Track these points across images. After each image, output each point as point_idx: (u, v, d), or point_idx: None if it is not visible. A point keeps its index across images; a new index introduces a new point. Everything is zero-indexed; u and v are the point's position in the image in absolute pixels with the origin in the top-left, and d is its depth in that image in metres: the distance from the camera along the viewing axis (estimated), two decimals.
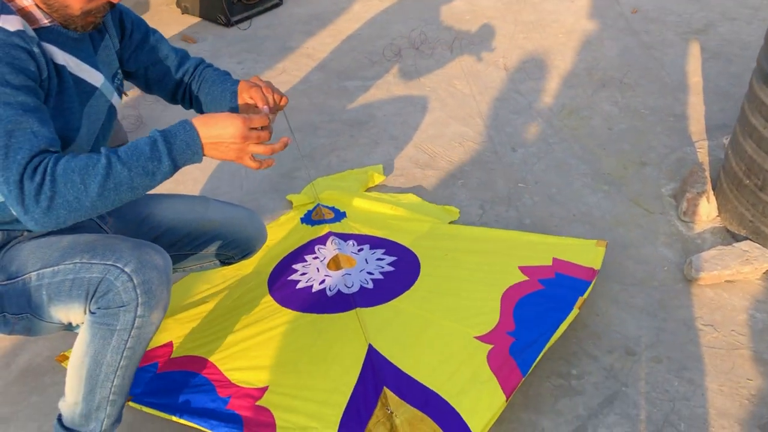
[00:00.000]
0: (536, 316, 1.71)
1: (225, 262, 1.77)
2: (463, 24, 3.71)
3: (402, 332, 1.70)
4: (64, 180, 1.13)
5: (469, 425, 1.44)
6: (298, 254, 2.05)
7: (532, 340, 1.64)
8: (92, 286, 1.24)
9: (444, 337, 1.68)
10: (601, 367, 1.72)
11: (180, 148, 1.22)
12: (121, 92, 1.51)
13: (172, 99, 1.64)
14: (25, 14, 1.24)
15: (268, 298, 1.87)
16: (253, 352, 1.69)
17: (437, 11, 3.88)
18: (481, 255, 1.99)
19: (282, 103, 1.50)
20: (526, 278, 1.85)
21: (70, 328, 1.40)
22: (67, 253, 1.28)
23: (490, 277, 1.88)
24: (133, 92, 3.02)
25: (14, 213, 1.16)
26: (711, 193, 2.20)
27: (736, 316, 1.86)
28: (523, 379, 1.56)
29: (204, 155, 1.27)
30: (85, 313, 1.28)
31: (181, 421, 1.53)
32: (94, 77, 1.38)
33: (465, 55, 3.37)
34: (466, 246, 2.04)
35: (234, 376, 1.62)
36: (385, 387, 1.53)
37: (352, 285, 1.87)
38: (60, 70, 1.29)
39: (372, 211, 2.26)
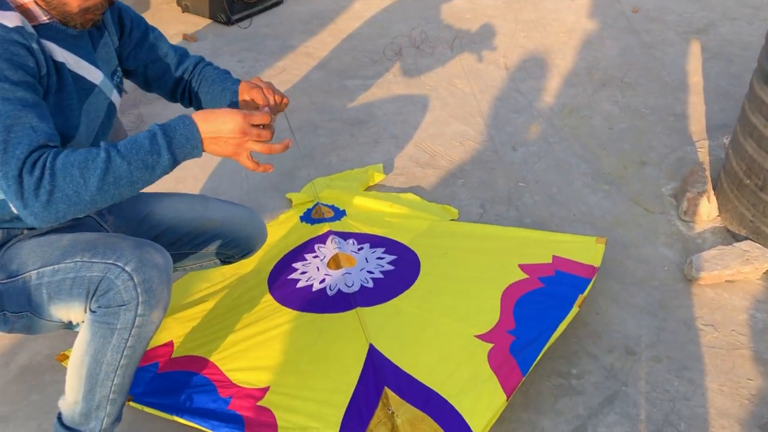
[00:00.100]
0: (536, 315, 1.71)
1: (225, 261, 1.77)
2: (463, 23, 3.71)
3: (402, 331, 1.70)
4: (63, 174, 1.13)
5: (469, 425, 1.44)
6: (298, 253, 2.05)
7: (532, 338, 1.64)
8: (93, 284, 1.24)
9: (444, 336, 1.68)
10: (601, 366, 1.72)
11: (179, 142, 1.22)
12: (120, 90, 1.50)
13: (172, 97, 1.64)
14: (23, 11, 1.24)
15: (268, 297, 1.87)
16: (253, 352, 1.69)
17: (438, 10, 3.87)
18: (481, 253, 1.99)
19: (283, 104, 1.50)
20: (526, 276, 1.85)
21: (70, 326, 1.39)
22: (68, 251, 1.28)
23: (490, 275, 1.88)
24: (133, 91, 3.01)
25: (14, 208, 1.15)
26: (711, 192, 2.20)
27: (736, 316, 1.86)
28: (524, 378, 1.56)
29: (203, 150, 1.26)
30: (85, 311, 1.28)
31: (183, 421, 1.53)
32: (93, 74, 1.37)
33: (465, 54, 3.37)
34: (466, 244, 2.04)
35: (235, 377, 1.62)
36: (386, 387, 1.53)
37: (353, 284, 1.87)
38: (59, 67, 1.29)
39: (371, 209, 2.26)
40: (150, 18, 3.85)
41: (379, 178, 2.49)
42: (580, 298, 1.75)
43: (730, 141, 2.20)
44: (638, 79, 3.09)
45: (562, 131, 2.74)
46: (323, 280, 1.91)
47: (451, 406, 1.48)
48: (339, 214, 2.23)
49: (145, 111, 2.95)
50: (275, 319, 1.78)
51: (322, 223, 2.19)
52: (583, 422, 1.59)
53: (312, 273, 1.95)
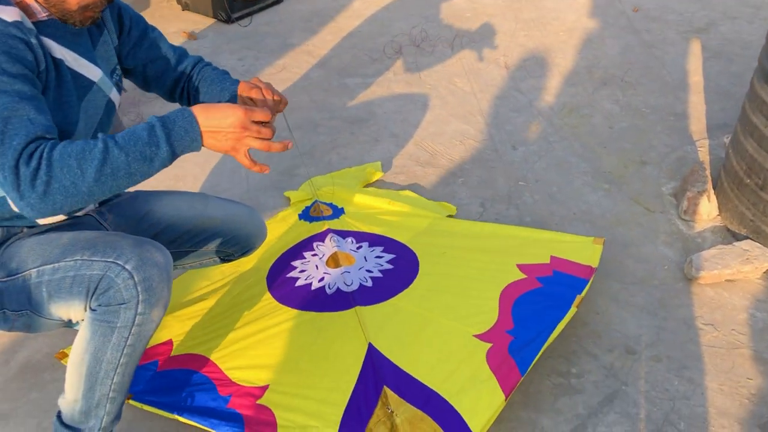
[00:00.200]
0: (534, 315, 1.71)
1: (225, 259, 1.77)
2: (463, 21, 3.71)
3: (401, 331, 1.70)
4: (60, 165, 1.12)
5: (468, 425, 1.44)
6: (297, 251, 2.05)
7: (530, 338, 1.64)
8: (93, 283, 1.24)
9: (443, 336, 1.68)
10: (601, 365, 1.72)
11: (178, 134, 1.20)
12: (120, 88, 1.50)
13: (170, 97, 1.64)
14: (23, 7, 1.24)
15: (268, 296, 1.87)
16: (253, 350, 1.69)
17: (438, 8, 3.87)
18: (479, 252, 1.99)
19: (281, 105, 1.49)
20: (524, 276, 1.85)
21: (69, 325, 1.39)
22: (68, 250, 1.28)
23: (489, 275, 1.88)
24: (132, 90, 3.01)
25: (10, 201, 1.15)
26: (711, 192, 2.20)
27: (736, 315, 1.86)
28: (522, 378, 1.56)
29: (203, 144, 1.24)
30: (85, 310, 1.28)
31: (182, 419, 1.53)
32: (92, 72, 1.37)
33: (466, 53, 3.37)
34: (464, 243, 2.04)
35: (234, 375, 1.62)
36: (385, 386, 1.53)
37: (352, 283, 1.87)
38: (58, 63, 1.29)
39: (370, 206, 2.26)
40: (150, 16, 3.85)
41: (377, 176, 2.48)
42: (578, 298, 1.75)
43: (731, 140, 2.20)
44: (639, 78, 3.08)
45: (563, 130, 2.74)
46: (322, 279, 1.91)
47: (451, 406, 1.48)
48: (337, 212, 2.23)
49: (145, 110, 2.94)
50: (274, 318, 1.78)
51: (320, 221, 2.19)
52: (583, 421, 1.59)
53: (311, 271, 1.95)
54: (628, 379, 1.68)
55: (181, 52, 1.61)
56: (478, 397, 1.50)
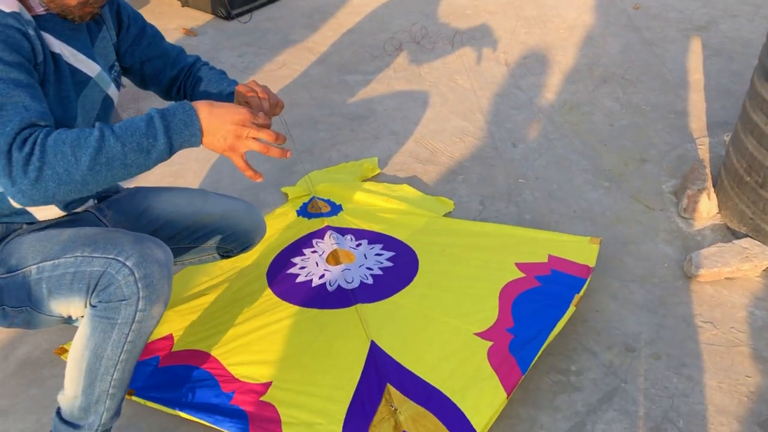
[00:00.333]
0: (534, 313, 1.72)
1: (224, 255, 1.77)
2: (464, 19, 3.70)
3: (403, 329, 1.71)
4: (54, 151, 1.11)
5: (471, 422, 1.45)
6: (297, 248, 2.05)
7: (530, 337, 1.65)
8: (93, 279, 1.23)
9: (444, 334, 1.68)
10: (600, 363, 1.72)
11: (177, 127, 1.19)
12: (118, 84, 1.50)
13: (167, 95, 1.64)
14: (21, 1, 1.24)
15: (268, 292, 1.87)
16: (255, 346, 1.69)
17: (438, 5, 3.87)
18: (478, 251, 1.99)
19: (277, 108, 1.49)
20: (523, 275, 1.86)
21: (69, 321, 1.39)
22: (68, 246, 1.27)
23: (487, 273, 1.88)
24: (132, 86, 3.00)
25: (2, 188, 1.13)
26: (711, 190, 2.19)
27: (735, 313, 1.86)
28: (523, 376, 1.57)
29: (202, 140, 1.23)
30: (85, 306, 1.27)
31: (185, 415, 1.53)
32: (90, 67, 1.37)
33: (466, 50, 3.37)
34: (463, 241, 2.05)
35: (237, 371, 1.62)
36: (388, 383, 1.54)
37: (353, 280, 1.87)
38: (56, 58, 1.29)
39: (368, 203, 2.26)
40: (150, 12, 3.85)
41: (374, 171, 2.49)
42: (576, 297, 1.76)
43: (731, 138, 2.19)
44: (639, 76, 3.08)
45: (563, 128, 2.73)
46: (323, 276, 1.91)
47: (453, 404, 1.49)
48: (335, 209, 2.23)
49: (144, 106, 2.94)
50: (276, 314, 1.78)
51: (319, 217, 2.19)
52: (582, 419, 1.59)
53: (311, 268, 1.95)
54: (627, 377, 1.68)
55: (178, 51, 1.62)
56: (480, 395, 1.51)
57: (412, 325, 1.72)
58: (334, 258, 1.98)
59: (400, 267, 1.94)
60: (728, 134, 2.43)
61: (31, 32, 1.21)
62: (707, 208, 2.18)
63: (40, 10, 1.27)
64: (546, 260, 1.92)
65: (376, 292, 1.84)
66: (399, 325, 1.72)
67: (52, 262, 1.27)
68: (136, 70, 1.57)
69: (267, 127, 1.26)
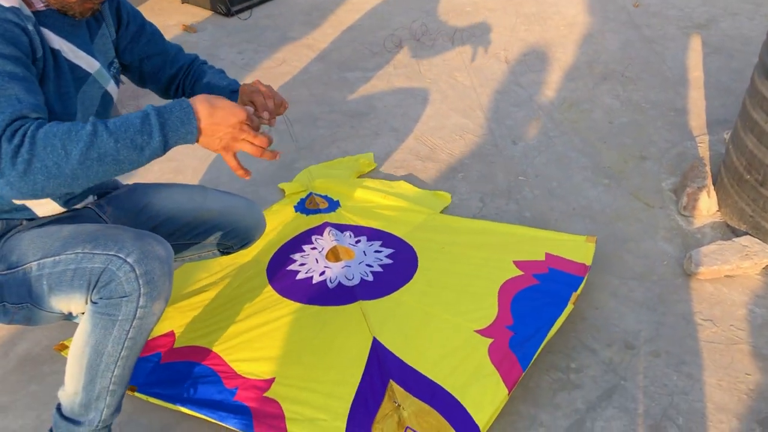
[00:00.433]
0: (533, 311, 1.73)
1: (224, 251, 1.77)
2: (464, 15, 3.70)
3: (405, 325, 1.72)
4: (44, 144, 1.09)
5: (474, 419, 1.46)
6: (296, 244, 2.05)
7: (530, 334, 1.66)
8: (94, 276, 1.23)
9: (445, 331, 1.69)
10: (599, 360, 1.72)
11: (174, 125, 1.17)
12: (117, 81, 1.50)
13: (165, 94, 1.63)
14: None
15: (269, 289, 1.88)
16: (257, 343, 1.69)
17: (438, 2, 3.86)
18: (477, 249, 2.00)
19: (281, 108, 1.49)
20: (521, 273, 1.87)
21: (69, 317, 1.39)
22: (69, 242, 1.27)
23: (486, 271, 1.89)
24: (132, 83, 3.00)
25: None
26: (711, 187, 2.20)
27: (735, 311, 1.86)
28: (524, 373, 1.57)
29: (197, 139, 1.21)
30: (86, 303, 1.27)
31: (188, 411, 1.54)
32: (89, 63, 1.37)
33: (466, 47, 3.36)
34: (461, 239, 2.05)
35: (240, 368, 1.62)
36: (391, 380, 1.55)
37: (353, 277, 1.88)
38: (55, 54, 1.29)
39: (365, 200, 2.27)
40: (150, 9, 3.84)
41: (370, 167, 2.49)
42: (574, 296, 1.77)
43: (731, 136, 2.19)
44: (639, 74, 3.08)
45: (563, 125, 2.73)
46: (323, 273, 1.91)
47: (456, 400, 1.50)
48: (333, 205, 2.24)
49: (144, 103, 2.93)
50: (277, 311, 1.78)
51: (317, 214, 2.19)
52: (582, 416, 1.59)
53: (311, 265, 1.95)
54: (626, 375, 1.68)
55: (177, 50, 1.62)
56: (482, 391, 1.52)
57: (413, 322, 1.73)
58: (333, 255, 1.98)
59: (399, 264, 1.94)
60: (728, 132, 2.43)
61: (30, 28, 1.21)
62: (707, 206, 2.18)
63: (40, 6, 1.27)
64: (543, 258, 1.93)
65: (376, 289, 1.84)
66: (400, 322, 1.72)
67: (52, 258, 1.27)
68: (135, 67, 1.57)
69: (267, 122, 1.26)
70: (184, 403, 1.54)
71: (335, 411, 1.50)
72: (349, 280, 1.87)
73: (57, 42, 1.29)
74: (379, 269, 1.92)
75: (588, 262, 1.90)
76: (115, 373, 1.31)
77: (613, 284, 1.95)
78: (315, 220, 2.16)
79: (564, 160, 2.52)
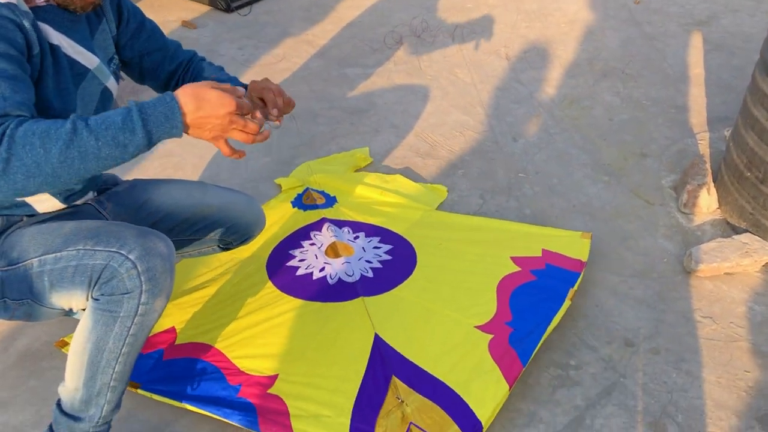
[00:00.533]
0: (531, 307, 1.74)
1: (224, 247, 1.77)
2: (464, 12, 3.69)
3: (405, 321, 1.72)
4: (23, 142, 1.07)
5: (476, 414, 1.47)
6: (294, 240, 2.05)
7: (529, 330, 1.67)
8: (96, 272, 1.23)
9: (446, 327, 1.70)
10: (599, 358, 1.72)
11: (157, 121, 1.14)
12: (117, 77, 1.50)
13: (164, 90, 1.63)
14: None
15: (269, 285, 1.88)
16: (259, 339, 1.70)
17: None
18: (474, 245, 2.01)
19: (289, 108, 1.50)
20: (519, 269, 1.88)
21: (69, 313, 1.39)
22: (70, 239, 1.27)
23: (484, 267, 1.90)
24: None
25: None
26: (711, 185, 2.19)
27: (734, 308, 1.86)
28: (524, 368, 1.58)
29: (186, 132, 1.19)
30: (87, 299, 1.27)
31: (192, 408, 1.54)
32: (89, 59, 1.37)
33: (466, 44, 3.36)
34: (459, 235, 2.06)
35: (243, 364, 1.63)
36: (393, 376, 1.55)
37: (353, 273, 1.88)
38: (54, 49, 1.28)
39: (363, 196, 2.27)
40: (149, 5, 3.83)
41: (366, 161, 2.49)
42: (571, 291, 1.78)
43: (731, 133, 2.19)
44: (640, 71, 3.08)
45: (563, 122, 2.73)
46: (323, 269, 1.91)
47: (458, 396, 1.51)
48: (330, 200, 2.24)
49: (143, 99, 2.93)
50: (278, 307, 1.79)
51: (314, 209, 2.19)
52: (581, 413, 1.59)
53: (311, 261, 1.95)
54: (626, 372, 1.69)
55: (176, 46, 1.62)
56: (483, 387, 1.53)
57: (413, 318, 1.73)
58: (333, 251, 1.98)
59: (398, 260, 1.95)
60: (729, 129, 2.42)
61: (27, 24, 1.20)
62: (707, 203, 2.18)
63: (39, 1, 1.26)
64: (540, 254, 1.94)
65: (377, 285, 1.84)
66: (401, 319, 1.73)
67: (54, 254, 1.27)
68: (135, 63, 1.57)
69: (251, 114, 1.22)
70: (187, 400, 1.55)
71: (339, 407, 1.50)
72: (350, 276, 1.87)
73: (56, 37, 1.29)
74: (379, 265, 1.92)
75: (584, 258, 1.91)
76: (116, 370, 1.31)
77: (612, 281, 1.95)
78: (313, 216, 2.16)
79: (564, 157, 2.52)
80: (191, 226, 1.65)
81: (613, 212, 2.24)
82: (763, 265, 1.98)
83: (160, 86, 1.62)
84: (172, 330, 1.74)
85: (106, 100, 1.45)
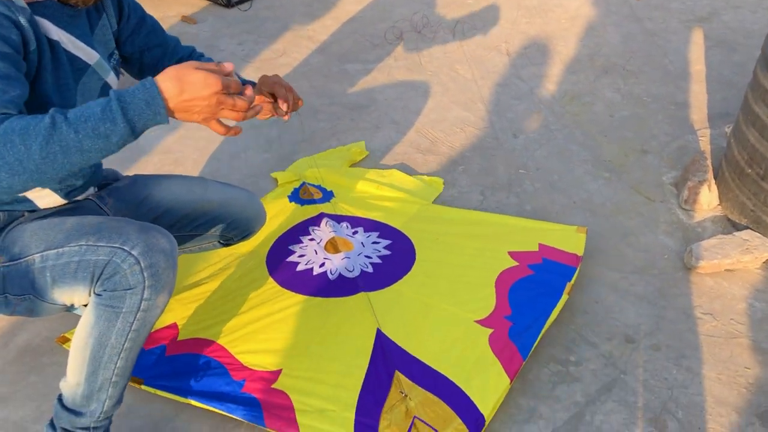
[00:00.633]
0: (529, 301, 1.76)
1: (225, 243, 1.77)
2: (465, 8, 3.68)
3: (406, 316, 1.73)
4: (3, 140, 1.05)
5: (479, 408, 1.48)
6: (293, 235, 2.05)
7: (528, 324, 1.69)
8: (98, 268, 1.23)
9: (446, 322, 1.71)
10: (599, 354, 1.73)
11: (138, 108, 1.10)
12: (117, 72, 1.50)
13: None
14: None
15: (270, 281, 1.88)
16: (261, 335, 1.70)
17: None
18: (472, 239, 2.01)
19: (298, 104, 1.52)
20: (516, 263, 1.89)
21: (70, 309, 1.39)
22: (72, 234, 1.27)
23: (482, 261, 1.91)
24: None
25: None
26: (712, 181, 2.19)
27: (735, 305, 1.86)
28: (524, 362, 1.59)
29: (173, 117, 1.15)
30: (89, 295, 1.27)
31: (196, 403, 1.54)
32: (89, 55, 1.37)
33: (467, 40, 3.35)
34: (455, 230, 2.07)
35: (246, 359, 1.63)
36: (396, 370, 1.56)
37: (353, 269, 1.88)
38: (54, 45, 1.28)
39: (360, 190, 2.27)
40: (150, 0, 3.83)
41: (361, 155, 2.49)
42: (568, 286, 1.79)
43: (732, 130, 2.19)
44: (640, 67, 3.07)
45: (564, 118, 2.73)
46: (323, 264, 1.91)
47: (461, 390, 1.52)
48: (327, 195, 2.24)
49: None
50: (280, 303, 1.79)
51: (312, 204, 2.19)
52: (581, 409, 1.59)
53: (310, 256, 1.95)
54: (626, 368, 1.69)
55: (176, 41, 1.63)
56: (485, 380, 1.54)
57: (414, 312, 1.74)
58: (332, 246, 1.98)
59: (397, 255, 1.95)
60: (729, 126, 2.42)
61: (23, 20, 1.19)
62: (708, 200, 2.18)
63: None
64: (537, 249, 1.95)
65: (377, 280, 1.85)
66: (402, 313, 1.74)
67: (56, 250, 1.26)
68: (135, 59, 1.57)
69: (237, 90, 1.18)
70: (191, 396, 1.55)
71: (344, 401, 1.51)
72: (350, 271, 1.88)
73: (56, 33, 1.28)
74: (378, 261, 1.92)
75: (579, 252, 1.92)
76: (117, 365, 1.31)
77: (613, 278, 1.95)
78: (311, 211, 2.16)
79: (565, 154, 2.52)
80: (192, 221, 1.65)
81: (614, 209, 2.24)
82: (764, 262, 1.98)
83: None
84: (174, 326, 1.75)
85: (106, 95, 1.45)
